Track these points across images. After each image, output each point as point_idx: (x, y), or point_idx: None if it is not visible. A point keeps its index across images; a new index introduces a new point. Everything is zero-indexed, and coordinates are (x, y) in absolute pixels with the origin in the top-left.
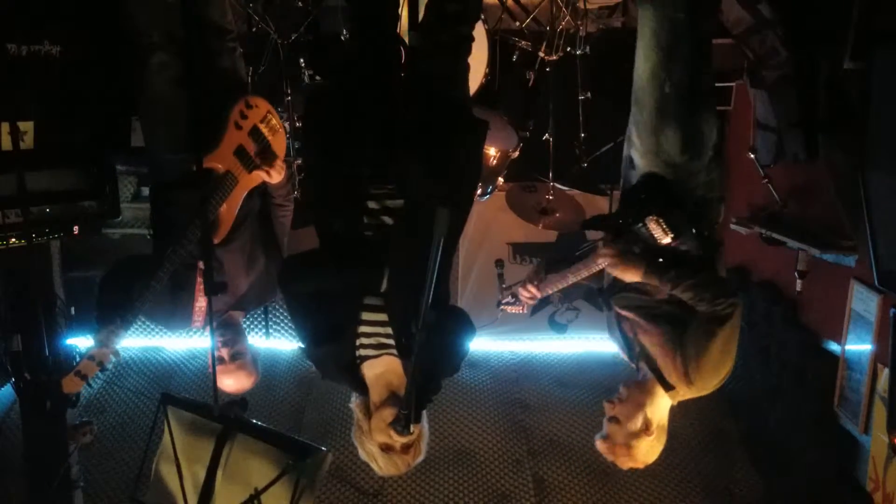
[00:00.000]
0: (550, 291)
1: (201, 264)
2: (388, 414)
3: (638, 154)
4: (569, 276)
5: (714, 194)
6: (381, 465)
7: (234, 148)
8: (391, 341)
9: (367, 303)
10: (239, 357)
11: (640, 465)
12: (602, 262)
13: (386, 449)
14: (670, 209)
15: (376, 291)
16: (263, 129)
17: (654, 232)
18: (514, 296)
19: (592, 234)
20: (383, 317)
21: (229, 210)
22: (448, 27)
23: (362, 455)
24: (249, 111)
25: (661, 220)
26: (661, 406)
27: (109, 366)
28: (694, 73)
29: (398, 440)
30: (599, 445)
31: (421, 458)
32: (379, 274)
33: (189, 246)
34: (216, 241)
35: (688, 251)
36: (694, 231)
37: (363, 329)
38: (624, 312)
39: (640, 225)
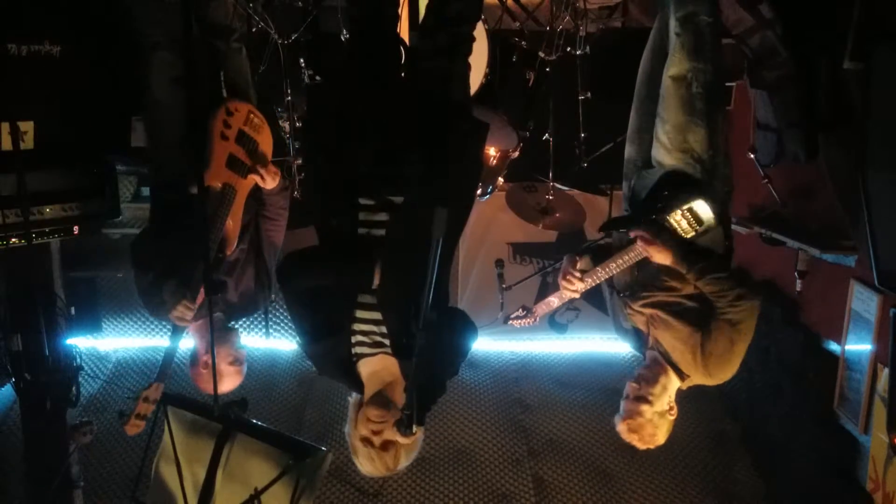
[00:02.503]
0: (595, 283)
1: None
2: (372, 410)
3: (665, 152)
4: (612, 267)
5: (728, 187)
6: (362, 462)
7: (225, 160)
8: (387, 340)
9: (362, 301)
10: (238, 363)
11: (654, 446)
12: (640, 246)
13: (365, 442)
14: (696, 202)
15: (371, 289)
16: (248, 131)
17: (678, 226)
18: (525, 308)
19: (591, 235)
20: (379, 315)
21: (234, 221)
22: (448, 27)
23: (351, 452)
24: (231, 118)
25: (686, 214)
26: (675, 388)
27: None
28: (716, 71)
29: (382, 438)
30: (622, 426)
31: (404, 464)
32: (373, 271)
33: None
34: (228, 252)
35: (707, 245)
36: (717, 222)
37: (359, 327)
38: (645, 310)
39: (664, 221)
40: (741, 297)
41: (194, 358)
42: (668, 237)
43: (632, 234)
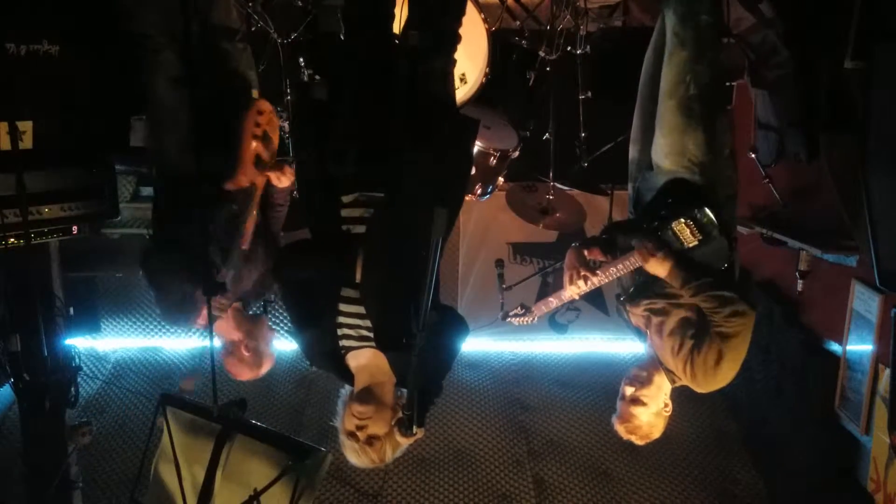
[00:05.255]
0: (598, 285)
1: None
2: (356, 406)
3: (663, 155)
4: (612, 272)
5: (731, 191)
6: (349, 455)
7: (253, 159)
8: (372, 334)
9: (345, 295)
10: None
11: (652, 440)
12: (638, 257)
13: (350, 436)
14: (700, 211)
15: (354, 283)
16: (270, 131)
17: (681, 235)
18: (524, 306)
19: (592, 234)
20: (363, 309)
21: (251, 215)
22: (429, 21)
23: (341, 446)
24: (262, 118)
25: (690, 223)
26: (669, 387)
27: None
28: (715, 73)
29: (366, 433)
30: (620, 428)
31: (392, 457)
32: (354, 266)
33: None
34: (244, 246)
35: (708, 261)
36: (720, 232)
37: (344, 320)
38: (642, 315)
39: (667, 229)
40: (736, 313)
41: (231, 347)
42: (668, 251)
43: (633, 244)
